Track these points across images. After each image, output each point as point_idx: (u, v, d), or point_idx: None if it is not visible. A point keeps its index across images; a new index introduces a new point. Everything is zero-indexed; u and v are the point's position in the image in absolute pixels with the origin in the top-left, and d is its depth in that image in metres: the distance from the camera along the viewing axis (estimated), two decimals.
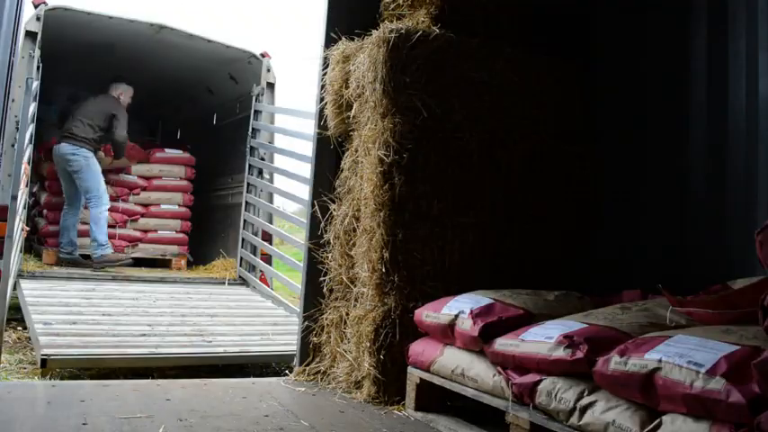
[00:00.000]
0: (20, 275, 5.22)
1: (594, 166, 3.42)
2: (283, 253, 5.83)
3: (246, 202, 6.11)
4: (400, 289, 2.97)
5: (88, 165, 5.99)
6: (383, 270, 2.97)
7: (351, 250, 3.25)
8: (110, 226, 6.62)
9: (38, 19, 5.27)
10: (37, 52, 5.18)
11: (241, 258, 6.13)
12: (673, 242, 3.05)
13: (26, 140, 4.65)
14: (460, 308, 2.59)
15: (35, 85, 5.01)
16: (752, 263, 2.35)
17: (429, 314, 2.74)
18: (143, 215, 6.84)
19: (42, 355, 3.45)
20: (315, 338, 3.39)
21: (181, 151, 7.18)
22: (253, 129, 6.11)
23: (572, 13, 3.57)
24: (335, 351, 3.24)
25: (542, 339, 2.17)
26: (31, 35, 5.17)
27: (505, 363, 2.31)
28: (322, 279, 3.41)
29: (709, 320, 2.02)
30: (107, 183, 6.33)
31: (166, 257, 6.92)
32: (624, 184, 3.33)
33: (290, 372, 3.44)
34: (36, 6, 5.34)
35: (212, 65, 6.70)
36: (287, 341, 4.10)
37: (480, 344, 2.44)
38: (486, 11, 3.36)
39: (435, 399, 2.76)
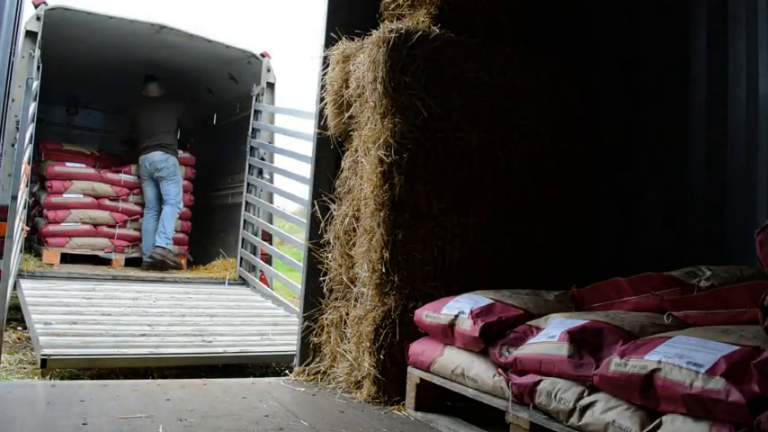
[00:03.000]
0: (20, 275, 5.22)
1: (594, 166, 3.42)
2: (283, 253, 5.83)
3: (246, 202, 6.11)
4: (400, 289, 2.97)
5: (176, 171, 6.55)
6: (383, 270, 2.97)
7: (351, 250, 3.24)
8: (110, 226, 6.64)
9: (38, 19, 5.27)
10: (37, 52, 5.18)
11: (241, 258, 6.13)
12: (672, 242, 3.05)
13: (26, 140, 4.65)
14: (460, 308, 2.59)
15: (35, 85, 5.01)
16: (752, 263, 2.35)
17: (429, 314, 2.74)
18: (143, 215, 6.84)
19: (42, 355, 3.45)
20: (315, 338, 3.39)
21: (181, 151, 7.18)
22: (253, 129, 6.10)
23: (572, 12, 3.57)
24: (335, 351, 3.24)
25: (545, 339, 2.17)
26: (31, 35, 5.17)
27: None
28: (322, 279, 3.41)
29: (703, 322, 2.03)
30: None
31: None
32: (624, 184, 3.33)
33: (290, 372, 3.44)
34: (36, 6, 5.34)
35: (212, 65, 6.70)
36: (287, 341, 4.10)
37: (480, 344, 2.44)
38: (486, 11, 3.36)
39: (435, 399, 2.76)
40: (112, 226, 6.64)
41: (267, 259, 5.90)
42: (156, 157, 6.41)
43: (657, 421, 1.71)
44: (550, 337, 2.14)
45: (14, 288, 4.77)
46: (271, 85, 6.23)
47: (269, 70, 6.24)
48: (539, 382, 2.12)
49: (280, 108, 6.13)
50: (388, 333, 2.92)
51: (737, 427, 1.51)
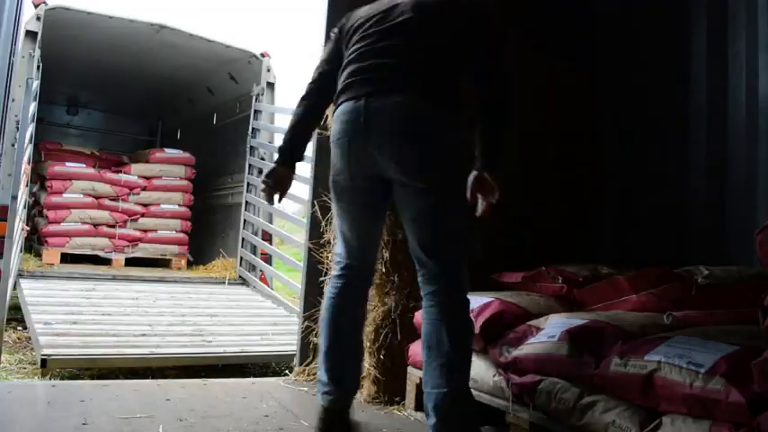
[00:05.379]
0: (20, 275, 5.22)
1: (594, 166, 3.42)
2: (283, 253, 5.83)
3: (246, 202, 6.11)
4: (400, 289, 2.97)
5: None
6: (383, 270, 2.97)
7: None
8: (110, 226, 6.64)
9: (38, 19, 5.28)
10: (37, 52, 5.19)
11: (241, 258, 6.13)
12: (673, 242, 3.05)
13: (26, 140, 4.65)
14: None
15: (35, 85, 5.01)
16: (752, 263, 2.35)
17: None
18: (143, 215, 6.85)
19: (42, 355, 3.45)
20: (315, 338, 3.38)
21: (181, 151, 7.19)
22: (253, 128, 6.11)
23: (572, 13, 3.57)
24: None
25: (545, 339, 2.17)
26: (31, 35, 5.18)
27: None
28: (322, 279, 3.41)
29: (703, 322, 2.03)
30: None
31: (166, 257, 6.92)
32: (624, 185, 3.33)
33: (290, 372, 3.44)
34: (36, 6, 5.35)
35: (212, 65, 6.70)
36: (287, 341, 4.10)
37: (480, 343, 2.44)
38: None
39: None
40: (112, 226, 6.65)
41: (267, 259, 5.90)
42: None
43: (657, 421, 1.71)
44: (550, 336, 2.14)
45: (14, 288, 4.77)
46: (271, 85, 6.23)
47: (269, 70, 6.24)
48: (539, 382, 2.12)
49: (280, 108, 6.14)
50: (388, 333, 2.92)
51: (737, 428, 1.51)
